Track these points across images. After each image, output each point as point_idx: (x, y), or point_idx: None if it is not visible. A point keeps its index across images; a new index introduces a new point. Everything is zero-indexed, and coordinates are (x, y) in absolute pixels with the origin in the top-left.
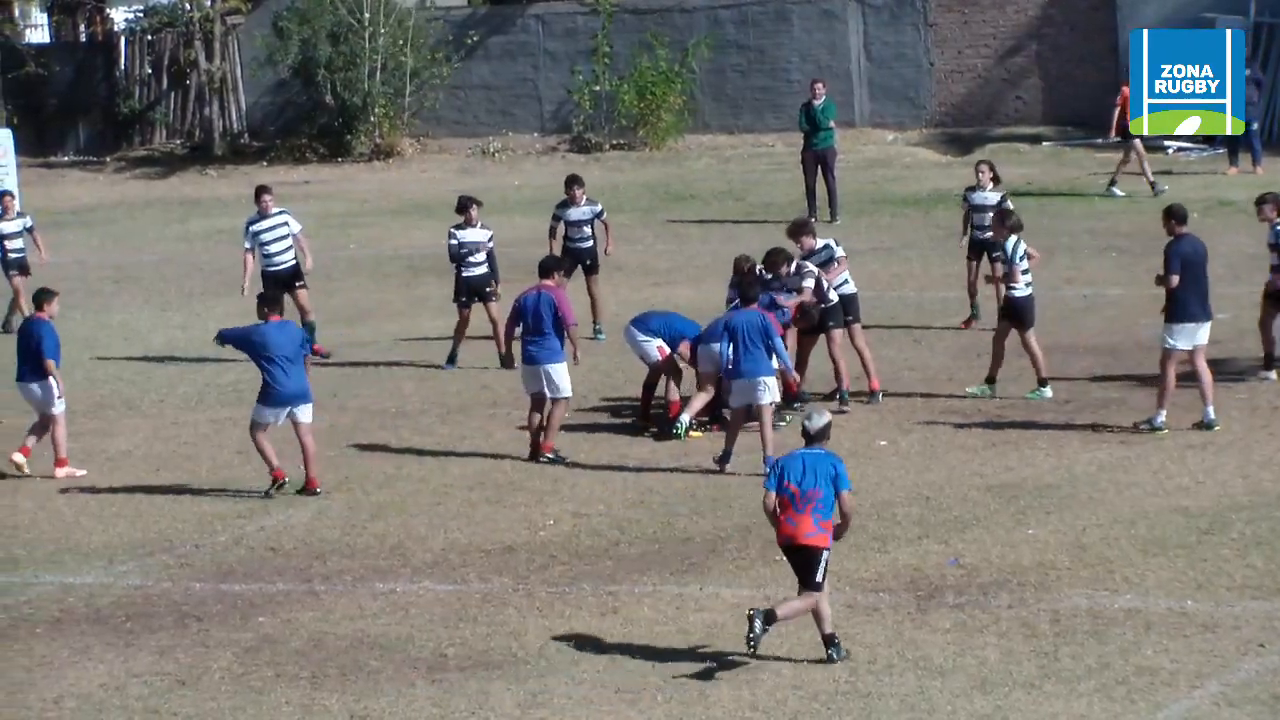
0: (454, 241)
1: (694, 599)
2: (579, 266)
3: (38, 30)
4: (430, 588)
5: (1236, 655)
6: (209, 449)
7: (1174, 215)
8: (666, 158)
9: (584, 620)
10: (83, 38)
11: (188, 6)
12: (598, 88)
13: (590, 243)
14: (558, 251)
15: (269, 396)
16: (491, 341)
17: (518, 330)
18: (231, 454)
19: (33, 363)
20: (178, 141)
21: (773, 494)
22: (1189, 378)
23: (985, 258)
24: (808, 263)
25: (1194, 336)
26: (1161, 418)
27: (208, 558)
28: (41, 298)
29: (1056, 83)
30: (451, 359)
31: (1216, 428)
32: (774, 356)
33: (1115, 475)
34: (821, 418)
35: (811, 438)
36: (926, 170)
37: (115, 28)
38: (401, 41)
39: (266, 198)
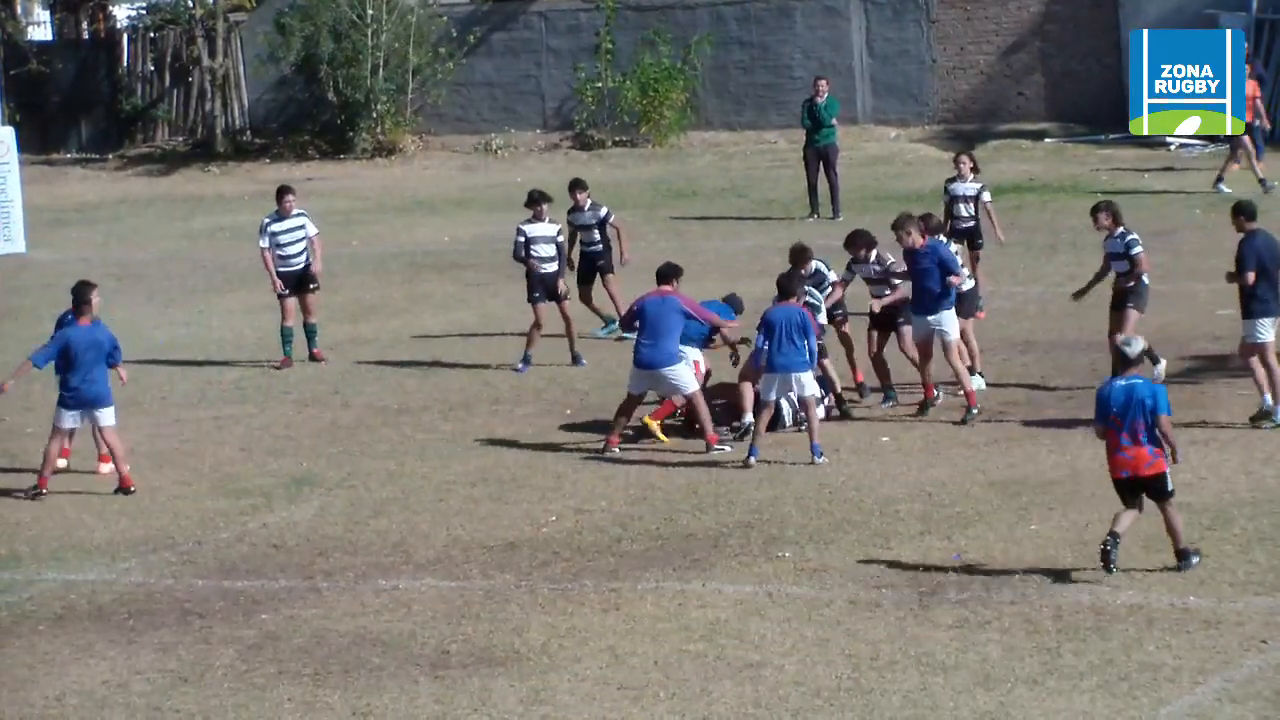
0: (521, 238)
1: (697, 595)
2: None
3: (40, 27)
4: (433, 584)
5: (1239, 651)
6: (211, 446)
7: (1243, 212)
8: (669, 154)
9: (586, 617)
10: (85, 35)
11: (190, 3)
12: (600, 84)
13: (599, 245)
14: (575, 256)
15: (65, 399)
16: (557, 339)
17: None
18: (234, 450)
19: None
20: (180, 139)
21: (1101, 427)
22: (1193, 374)
23: (966, 245)
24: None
25: (1272, 330)
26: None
27: (210, 554)
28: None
29: (1059, 79)
30: (526, 360)
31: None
32: (810, 354)
33: None
34: (1138, 343)
35: (1129, 363)
36: (929, 167)
37: (118, 25)
38: (404, 38)
39: (289, 199)
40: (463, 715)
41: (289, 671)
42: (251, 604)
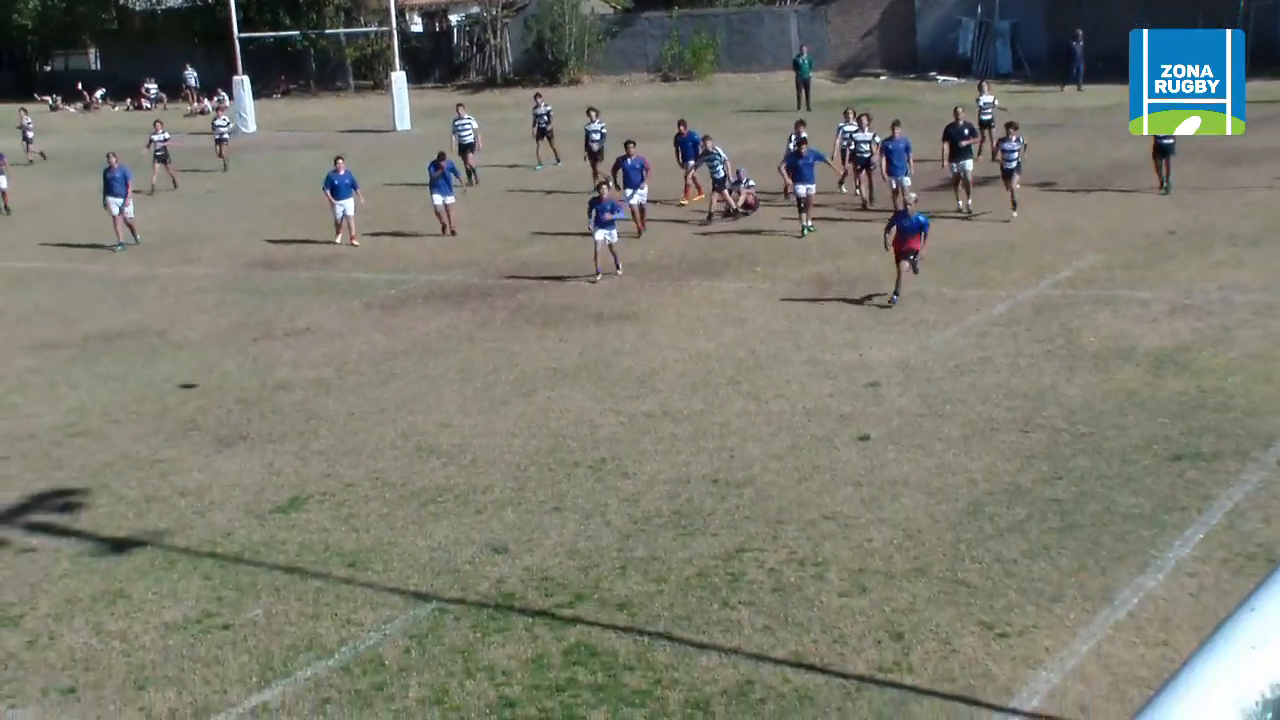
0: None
1: (716, 288)
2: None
3: None
4: (604, 284)
5: None
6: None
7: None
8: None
9: (667, 296)
10: None
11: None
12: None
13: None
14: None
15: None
16: None
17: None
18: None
19: None
20: None
21: (894, 233)
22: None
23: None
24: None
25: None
26: None
27: (494, 268)
28: None
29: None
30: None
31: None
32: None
33: None
34: (912, 195)
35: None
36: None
37: None
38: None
39: None
40: (607, 343)
41: (533, 323)
42: (513, 291)
